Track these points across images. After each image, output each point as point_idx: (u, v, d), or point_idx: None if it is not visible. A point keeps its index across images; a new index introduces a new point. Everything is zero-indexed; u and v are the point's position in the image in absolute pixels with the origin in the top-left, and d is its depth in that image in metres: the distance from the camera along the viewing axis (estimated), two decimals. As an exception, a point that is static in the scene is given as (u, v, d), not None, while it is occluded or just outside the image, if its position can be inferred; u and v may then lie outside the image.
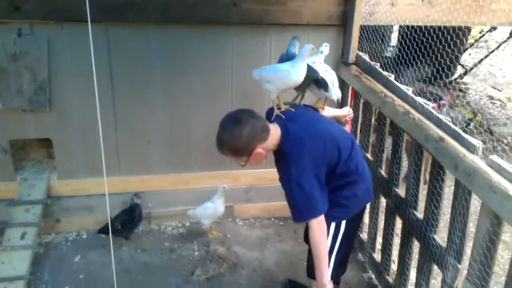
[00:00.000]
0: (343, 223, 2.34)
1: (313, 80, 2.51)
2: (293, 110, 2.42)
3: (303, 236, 2.86)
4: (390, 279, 2.90)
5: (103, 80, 3.18)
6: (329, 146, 2.22)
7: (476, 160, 1.95)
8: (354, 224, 2.46)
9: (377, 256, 3.10)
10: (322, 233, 2.19)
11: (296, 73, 2.37)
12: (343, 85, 3.49)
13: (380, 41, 5.63)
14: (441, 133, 2.19)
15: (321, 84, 2.53)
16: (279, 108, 2.41)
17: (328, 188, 2.23)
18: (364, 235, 3.30)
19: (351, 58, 3.29)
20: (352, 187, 2.32)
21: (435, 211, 2.33)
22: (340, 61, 3.43)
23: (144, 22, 3.12)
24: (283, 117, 2.33)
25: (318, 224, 2.16)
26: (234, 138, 2.12)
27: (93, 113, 3.20)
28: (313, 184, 2.13)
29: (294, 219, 2.22)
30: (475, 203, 2.06)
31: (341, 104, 3.54)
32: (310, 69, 2.46)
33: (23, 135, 3.30)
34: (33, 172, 3.46)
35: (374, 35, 3.47)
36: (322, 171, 2.18)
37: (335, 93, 2.57)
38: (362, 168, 2.37)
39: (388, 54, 6.28)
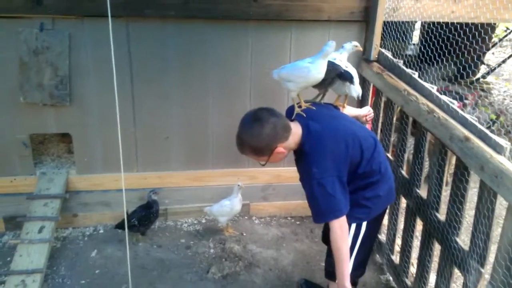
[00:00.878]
0: (364, 224, 2.29)
1: (337, 75, 2.46)
2: (314, 108, 2.37)
3: (322, 236, 2.81)
4: (409, 281, 2.83)
5: (122, 75, 3.18)
6: (351, 146, 2.16)
7: (504, 161, 1.88)
8: (375, 226, 2.40)
9: (396, 258, 3.03)
10: (344, 235, 2.14)
11: (316, 69, 2.32)
12: (364, 83, 3.43)
13: (402, 39, 5.53)
14: (466, 133, 2.12)
15: (345, 76, 2.48)
16: (299, 107, 2.37)
17: (350, 188, 2.18)
18: (382, 237, 3.23)
19: (373, 55, 3.22)
20: (374, 187, 2.26)
21: (458, 213, 2.26)
22: (361, 58, 3.36)
23: (164, 17, 3.10)
24: (304, 115, 2.29)
25: (340, 226, 2.12)
26: (254, 137, 2.09)
27: (112, 108, 3.19)
28: (335, 185, 2.09)
29: (314, 220, 2.18)
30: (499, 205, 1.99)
31: (361, 102, 3.48)
32: (332, 64, 2.41)
33: (43, 129, 3.32)
34: (52, 167, 3.49)
35: (396, 32, 3.39)
36: (344, 171, 2.13)
37: (356, 89, 2.52)
38: (385, 168, 2.31)
39: (410, 52, 6.15)
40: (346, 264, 2.15)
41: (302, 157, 2.19)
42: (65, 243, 3.36)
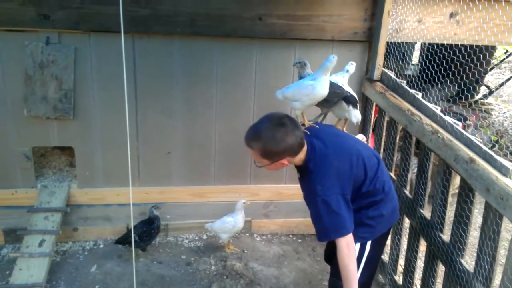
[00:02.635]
0: (368, 243, 2.28)
1: (342, 98, 2.50)
2: (317, 126, 2.38)
3: (324, 255, 2.79)
4: (412, 303, 2.81)
5: (127, 90, 3.18)
6: (356, 164, 2.17)
7: (510, 184, 1.88)
8: (380, 245, 2.39)
9: (399, 278, 3.01)
10: (351, 253, 2.12)
11: (320, 85, 2.34)
12: (366, 102, 3.46)
13: (403, 60, 5.58)
14: (471, 154, 2.13)
15: (350, 100, 2.52)
16: (303, 125, 2.38)
17: (354, 207, 2.17)
18: (385, 257, 3.21)
19: (376, 75, 3.25)
20: (377, 206, 2.25)
21: (463, 234, 2.26)
22: (364, 78, 3.39)
23: (170, 34, 3.13)
24: (308, 133, 2.29)
25: (347, 244, 2.10)
26: (273, 141, 2.04)
27: (115, 123, 3.24)
28: (339, 202, 2.08)
29: (318, 238, 2.16)
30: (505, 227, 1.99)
31: (363, 122, 3.50)
32: (338, 86, 2.44)
33: (46, 142, 3.32)
34: (54, 180, 3.48)
35: (396, 53, 3.43)
36: (348, 190, 2.13)
37: (356, 115, 2.56)
38: (388, 187, 2.31)
39: (409, 72, 6.22)
40: (354, 283, 2.12)
41: (307, 174, 2.18)
42: (65, 257, 3.33)
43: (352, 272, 2.12)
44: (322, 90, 2.35)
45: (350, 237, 2.11)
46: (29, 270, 2.87)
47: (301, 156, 2.16)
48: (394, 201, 2.36)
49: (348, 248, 2.10)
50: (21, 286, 2.78)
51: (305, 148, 2.17)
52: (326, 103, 2.48)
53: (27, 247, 3.00)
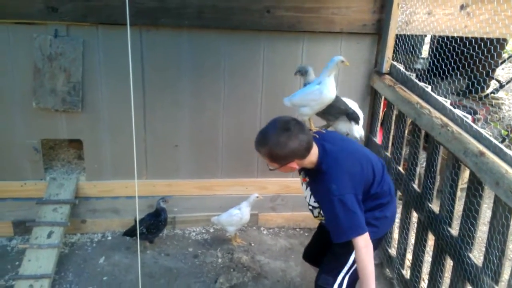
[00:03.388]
0: None
1: (346, 114, 2.58)
2: (324, 131, 2.44)
3: (304, 253, 2.81)
4: (420, 297, 2.80)
5: (135, 83, 3.19)
6: (365, 167, 2.23)
7: (520, 177, 1.85)
8: (377, 246, 2.43)
9: (406, 272, 2.99)
10: (370, 252, 2.13)
11: (327, 88, 2.36)
12: (375, 96, 3.43)
13: (412, 53, 5.52)
14: (481, 148, 2.10)
15: (353, 117, 2.58)
16: (310, 130, 2.42)
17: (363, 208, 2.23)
18: (393, 251, 3.19)
19: (385, 68, 3.22)
20: (383, 208, 2.33)
21: (472, 228, 2.23)
22: (373, 71, 3.36)
23: (178, 26, 3.13)
24: (317, 136, 2.33)
25: (366, 243, 2.12)
26: (277, 145, 2.07)
27: (123, 115, 3.24)
28: (354, 202, 2.12)
29: (335, 239, 2.17)
30: None
31: (372, 115, 3.48)
32: (343, 103, 2.54)
33: (54, 135, 3.34)
34: (62, 172, 3.50)
35: (406, 46, 3.40)
36: (359, 191, 2.18)
37: (358, 131, 2.61)
38: (393, 191, 2.41)
39: (419, 66, 6.15)
40: (372, 282, 2.13)
41: (319, 176, 2.21)
42: (73, 249, 3.36)
43: (371, 271, 2.13)
44: (329, 93, 2.36)
45: (367, 236, 2.13)
46: (38, 261, 2.90)
47: (312, 159, 2.19)
48: (395, 205, 2.45)
49: (367, 247, 2.12)
50: (30, 277, 2.81)
51: (315, 151, 2.20)
52: (330, 116, 2.56)
53: (36, 239, 3.03)
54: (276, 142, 2.07)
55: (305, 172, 2.35)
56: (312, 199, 2.38)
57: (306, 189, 2.43)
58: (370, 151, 2.48)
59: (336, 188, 2.10)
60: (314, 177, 2.26)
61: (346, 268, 2.32)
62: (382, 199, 2.31)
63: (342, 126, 2.65)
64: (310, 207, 2.46)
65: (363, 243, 2.11)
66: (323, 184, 2.16)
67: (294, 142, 2.06)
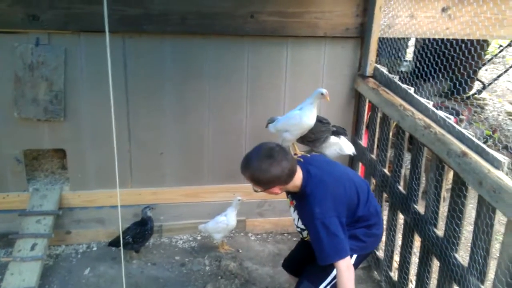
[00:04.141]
0: (354, 257, 2.35)
1: (332, 132, 2.70)
2: (308, 155, 2.51)
3: (284, 262, 2.80)
4: (408, 299, 2.80)
5: (118, 91, 3.16)
6: (349, 189, 2.28)
7: (502, 176, 1.87)
8: (361, 261, 2.47)
9: (394, 274, 2.99)
10: (351, 275, 2.17)
11: (306, 115, 2.50)
12: (359, 99, 3.44)
13: (396, 56, 5.57)
14: (464, 148, 2.11)
15: (339, 132, 2.72)
16: (295, 154, 2.51)
17: (352, 230, 2.30)
18: (380, 253, 3.19)
19: (369, 71, 3.24)
20: (372, 228, 2.38)
21: (457, 228, 2.24)
22: (357, 74, 3.38)
23: (161, 32, 3.11)
24: (302, 160, 2.38)
25: (347, 267, 2.16)
26: (260, 171, 2.14)
27: (106, 124, 3.20)
28: (337, 225, 2.16)
29: (320, 261, 2.20)
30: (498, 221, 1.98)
31: (357, 118, 3.49)
32: (325, 124, 2.67)
33: (37, 145, 3.29)
34: (46, 183, 3.45)
35: (390, 49, 3.43)
36: (343, 213, 2.22)
37: (348, 147, 2.81)
38: (380, 211, 2.47)
39: (404, 69, 6.21)
40: None
41: (304, 199, 2.25)
42: (58, 260, 3.30)
43: None
44: (308, 120, 2.50)
45: (349, 259, 2.18)
46: (21, 275, 2.84)
47: (296, 183, 2.25)
48: (383, 225, 2.50)
49: (349, 271, 2.16)
50: (14, 291, 2.75)
51: (299, 175, 2.25)
52: (316, 142, 2.66)
53: (19, 251, 2.96)
54: (258, 168, 2.14)
55: (292, 195, 2.41)
56: (300, 221, 2.41)
57: (293, 212, 2.47)
58: (355, 173, 2.56)
59: (319, 211, 2.15)
60: (300, 201, 2.32)
61: (329, 279, 2.34)
62: (370, 221, 2.37)
63: (331, 148, 2.77)
64: (299, 229, 2.50)
65: (345, 267, 2.15)
66: (307, 207, 2.22)
67: (276, 169, 2.12)
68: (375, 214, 2.39)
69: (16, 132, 3.16)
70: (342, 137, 2.81)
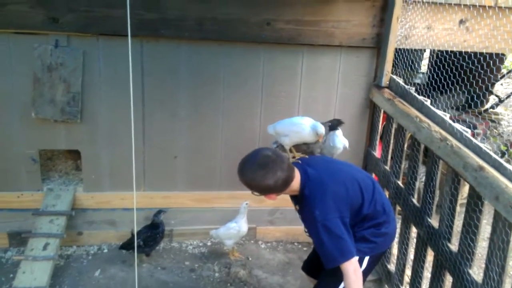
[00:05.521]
0: (366, 258, 2.28)
1: (329, 127, 2.72)
2: (307, 156, 2.47)
3: (303, 264, 2.77)
4: (419, 313, 2.76)
5: (134, 95, 3.16)
6: (351, 188, 2.21)
7: (520, 192, 1.84)
8: (376, 262, 2.40)
9: (405, 288, 2.96)
10: (359, 279, 2.10)
11: (316, 127, 2.55)
12: (374, 109, 3.43)
13: (411, 67, 5.55)
14: (481, 162, 2.08)
15: (334, 124, 2.75)
16: (293, 157, 2.50)
17: (358, 229, 2.23)
18: (391, 266, 3.16)
19: (384, 81, 3.22)
20: (380, 227, 2.29)
21: (471, 244, 2.21)
22: (372, 84, 3.36)
23: (177, 38, 3.13)
24: (300, 162, 2.34)
25: (354, 270, 2.09)
26: (254, 180, 2.11)
27: (122, 126, 3.23)
28: (339, 226, 2.09)
29: (326, 265, 2.14)
30: None
31: (371, 129, 3.48)
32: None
33: (53, 145, 3.33)
34: (60, 183, 3.48)
35: (405, 61, 3.41)
36: (346, 213, 2.14)
37: (340, 140, 2.78)
38: (388, 209, 2.34)
39: (418, 81, 6.18)
40: None
41: (303, 202, 2.20)
42: (69, 261, 3.32)
43: None
44: (310, 136, 2.58)
45: (355, 261, 2.11)
46: (33, 274, 2.86)
47: (295, 187, 2.19)
48: (395, 223, 2.40)
49: (356, 274, 2.09)
50: (24, 290, 2.77)
51: (298, 178, 2.20)
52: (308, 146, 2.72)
53: (31, 250, 2.99)
54: (252, 177, 2.11)
55: (294, 199, 2.36)
56: None
57: (299, 216, 2.43)
58: (358, 169, 2.46)
59: (319, 213, 2.09)
60: (301, 204, 2.25)
61: (342, 284, 2.28)
62: (378, 219, 2.27)
63: (328, 146, 2.79)
64: (307, 234, 2.44)
65: (352, 269, 2.08)
66: (307, 210, 2.16)
67: (270, 179, 2.07)
68: (382, 212, 2.28)
69: (33, 132, 3.20)
70: (335, 132, 2.79)
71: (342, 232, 2.08)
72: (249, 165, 2.12)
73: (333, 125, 2.76)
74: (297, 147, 2.71)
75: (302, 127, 2.55)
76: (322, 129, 2.51)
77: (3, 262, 3.27)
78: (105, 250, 3.47)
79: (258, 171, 2.08)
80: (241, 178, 2.16)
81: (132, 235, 3.31)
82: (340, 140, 2.77)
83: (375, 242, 2.27)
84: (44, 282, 2.83)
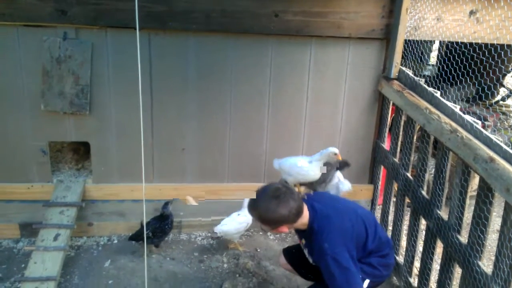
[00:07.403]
0: (367, 281, 2.38)
1: (336, 168, 2.85)
2: (312, 192, 2.57)
3: (284, 250, 2.86)
4: (428, 305, 2.76)
5: (143, 87, 3.19)
6: (355, 223, 2.31)
7: (531, 184, 1.82)
8: (375, 285, 2.48)
9: (413, 281, 2.95)
10: None
11: (313, 170, 2.68)
12: (383, 101, 3.41)
13: (420, 59, 5.49)
14: (491, 154, 2.07)
15: (342, 164, 2.86)
16: (299, 193, 2.53)
17: (366, 261, 2.35)
18: (400, 258, 3.15)
19: (394, 73, 3.20)
20: (386, 257, 2.43)
21: (481, 236, 2.20)
22: (381, 76, 3.34)
23: (185, 30, 3.13)
24: (306, 197, 2.42)
25: None
26: (267, 211, 2.18)
27: (130, 119, 3.25)
28: (348, 259, 2.18)
29: None
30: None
31: (380, 121, 3.46)
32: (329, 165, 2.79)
33: (62, 137, 3.35)
34: (69, 175, 3.50)
35: (414, 52, 3.38)
36: (352, 247, 2.24)
37: (345, 183, 2.92)
38: (389, 240, 2.51)
39: (427, 73, 6.13)
40: None
41: (312, 236, 2.28)
42: (79, 252, 3.36)
43: None
44: (314, 174, 2.69)
45: None
46: (44, 264, 2.90)
47: (304, 220, 2.28)
48: (394, 254, 2.60)
49: None
50: (36, 279, 2.80)
51: (306, 213, 2.28)
52: (322, 181, 2.83)
53: (42, 241, 3.03)
54: (266, 209, 2.18)
55: (300, 234, 2.44)
56: (312, 258, 2.44)
57: (304, 250, 2.50)
58: (359, 206, 2.57)
59: (329, 246, 2.18)
60: (309, 238, 2.34)
61: None
62: (383, 251, 2.42)
63: (332, 184, 2.92)
64: (314, 264, 2.49)
65: None
66: (316, 244, 2.25)
67: (284, 209, 2.16)
68: (386, 244, 2.43)
69: (42, 124, 3.22)
70: (339, 172, 2.95)
71: (350, 264, 2.18)
72: (262, 197, 2.21)
73: (341, 167, 2.90)
74: (301, 183, 2.82)
75: (305, 170, 2.68)
76: (335, 149, 2.64)
77: (14, 252, 3.31)
78: (115, 241, 3.50)
79: (271, 201, 2.17)
80: (254, 211, 2.25)
81: (142, 226, 3.34)
82: (344, 182, 2.93)
83: (379, 270, 2.40)
84: (55, 272, 2.86)
